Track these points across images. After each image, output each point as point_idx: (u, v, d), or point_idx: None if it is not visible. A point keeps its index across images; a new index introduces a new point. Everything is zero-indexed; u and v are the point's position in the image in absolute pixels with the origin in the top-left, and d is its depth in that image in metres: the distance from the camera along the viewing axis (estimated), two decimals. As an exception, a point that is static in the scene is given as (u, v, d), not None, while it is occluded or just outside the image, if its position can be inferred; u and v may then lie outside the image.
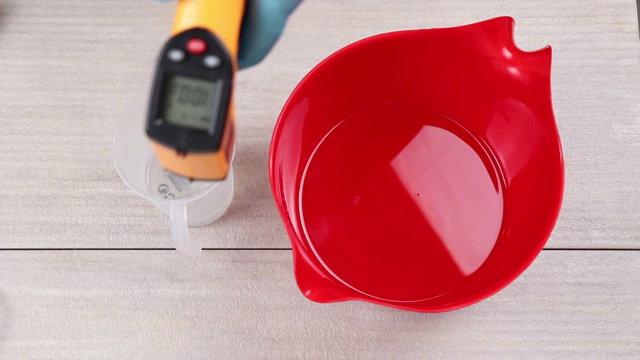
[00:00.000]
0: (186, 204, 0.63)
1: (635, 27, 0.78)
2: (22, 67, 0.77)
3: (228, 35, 0.41)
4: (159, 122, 0.42)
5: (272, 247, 0.73)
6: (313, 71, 0.67)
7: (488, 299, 0.71)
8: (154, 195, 0.72)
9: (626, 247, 0.73)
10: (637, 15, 0.79)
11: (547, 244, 0.73)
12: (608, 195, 0.74)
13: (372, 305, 0.71)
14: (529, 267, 0.64)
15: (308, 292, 0.61)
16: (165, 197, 0.72)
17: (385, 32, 0.69)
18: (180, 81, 0.41)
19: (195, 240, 0.73)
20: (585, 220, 0.73)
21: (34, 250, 0.72)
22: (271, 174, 0.65)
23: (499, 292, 0.70)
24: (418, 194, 0.73)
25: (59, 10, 0.78)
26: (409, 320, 0.71)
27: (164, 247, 0.73)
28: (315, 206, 0.73)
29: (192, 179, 0.45)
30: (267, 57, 0.45)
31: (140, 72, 0.77)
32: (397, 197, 0.73)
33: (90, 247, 0.72)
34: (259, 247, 0.73)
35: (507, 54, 0.67)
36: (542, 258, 0.72)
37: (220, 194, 0.69)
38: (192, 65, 0.41)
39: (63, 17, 0.78)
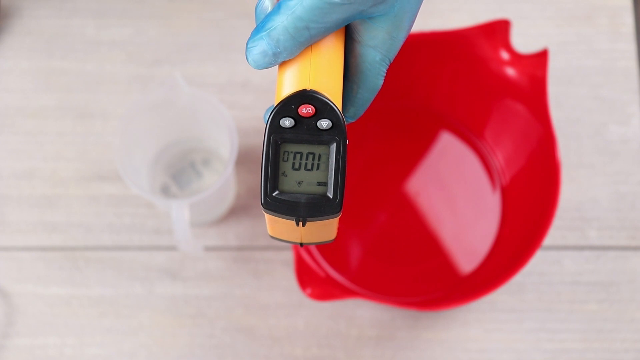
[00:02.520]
0: (188, 203, 0.64)
1: (631, 29, 0.79)
2: (26, 69, 0.77)
3: (334, 95, 0.39)
4: (274, 194, 0.39)
5: (273, 247, 0.73)
6: (313, 73, 0.67)
7: (486, 297, 0.72)
8: (156, 195, 0.72)
9: (622, 246, 0.73)
10: (633, 17, 0.79)
11: (544, 243, 0.73)
12: (604, 195, 0.74)
13: (371, 303, 0.72)
14: (526, 266, 0.65)
15: (308, 291, 0.62)
16: (168, 197, 0.73)
17: (385, 34, 0.69)
18: (292, 148, 0.39)
19: (197, 239, 0.73)
20: (582, 220, 0.74)
21: (38, 249, 0.73)
22: (272, 174, 0.65)
23: (496, 291, 0.71)
24: (417, 194, 0.73)
25: (62, 12, 0.79)
26: (407, 319, 0.72)
27: (166, 246, 0.73)
28: (315, 206, 0.73)
29: (302, 244, 0.43)
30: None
31: (142, 73, 0.77)
32: (396, 196, 0.73)
33: (93, 246, 0.73)
34: (260, 246, 0.73)
35: (505, 55, 0.68)
36: (539, 257, 0.73)
37: (221, 193, 0.70)
38: (304, 130, 0.39)
39: (66, 19, 0.79)
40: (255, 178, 0.75)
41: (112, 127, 0.76)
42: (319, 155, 0.39)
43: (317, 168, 0.39)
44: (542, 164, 0.67)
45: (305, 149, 0.39)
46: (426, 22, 0.78)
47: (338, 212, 0.39)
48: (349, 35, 0.40)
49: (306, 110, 0.39)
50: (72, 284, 0.72)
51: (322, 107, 0.39)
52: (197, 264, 0.72)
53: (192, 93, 0.66)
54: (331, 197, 0.39)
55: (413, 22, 0.41)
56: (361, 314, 0.71)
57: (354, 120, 0.43)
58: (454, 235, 0.72)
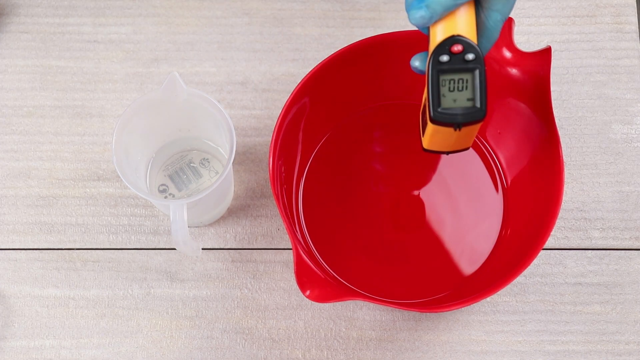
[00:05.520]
0: (186, 204, 0.63)
1: (635, 27, 0.78)
2: (22, 67, 0.77)
3: (472, 38, 0.54)
4: (439, 109, 0.54)
5: (272, 247, 0.73)
6: (313, 71, 0.67)
7: (488, 299, 0.71)
8: (154, 195, 0.72)
9: (626, 247, 0.73)
10: (637, 15, 0.79)
11: (547, 244, 0.73)
12: (608, 195, 0.74)
13: (372, 305, 0.71)
14: (528, 267, 0.64)
15: (308, 292, 0.61)
16: (165, 197, 0.72)
17: (386, 32, 0.69)
18: (448, 76, 0.54)
19: (196, 240, 0.73)
20: (585, 220, 0.74)
21: (34, 250, 0.72)
22: (271, 174, 0.65)
23: (498, 292, 0.70)
24: (418, 194, 0.73)
25: (59, 11, 0.78)
26: (409, 320, 0.71)
27: (164, 247, 0.73)
28: (315, 206, 0.73)
29: (448, 153, 0.59)
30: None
31: (140, 72, 0.77)
32: (397, 197, 0.73)
33: (90, 247, 0.73)
34: (259, 247, 0.73)
35: (507, 54, 0.67)
36: (542, 258, 0.72)
37: (220, 194, 0.69)
38: (455, 62, 0.54)
39: (63, 17, 0.78)
40: (255, 178, 0.74)
41: (109, 126, 0.75)
42: (467, 79, 0.54)
43: (466, 88, 0.54)
44: (545, 163, 0.67)
45: (457, 76, 0.54)
46: (427, 20, 0.78)
47: (484, 115, 0.54)
48: (478, 3, 0.56)
49: (457, 48, 0.54)
50: (69, 285, 0.72)
51: (467, 45, 0.54)
52: (196, 265, 0.72)
53: (190, 92, 0.65)
54: (479, 106, 0.54)
55: None
56: (361, 315, 0.71)
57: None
58: (455, 236, 0.72)
